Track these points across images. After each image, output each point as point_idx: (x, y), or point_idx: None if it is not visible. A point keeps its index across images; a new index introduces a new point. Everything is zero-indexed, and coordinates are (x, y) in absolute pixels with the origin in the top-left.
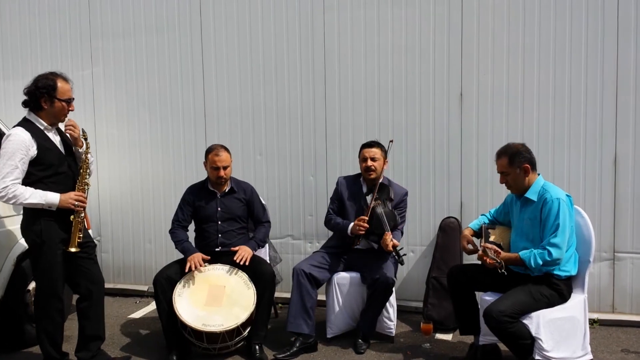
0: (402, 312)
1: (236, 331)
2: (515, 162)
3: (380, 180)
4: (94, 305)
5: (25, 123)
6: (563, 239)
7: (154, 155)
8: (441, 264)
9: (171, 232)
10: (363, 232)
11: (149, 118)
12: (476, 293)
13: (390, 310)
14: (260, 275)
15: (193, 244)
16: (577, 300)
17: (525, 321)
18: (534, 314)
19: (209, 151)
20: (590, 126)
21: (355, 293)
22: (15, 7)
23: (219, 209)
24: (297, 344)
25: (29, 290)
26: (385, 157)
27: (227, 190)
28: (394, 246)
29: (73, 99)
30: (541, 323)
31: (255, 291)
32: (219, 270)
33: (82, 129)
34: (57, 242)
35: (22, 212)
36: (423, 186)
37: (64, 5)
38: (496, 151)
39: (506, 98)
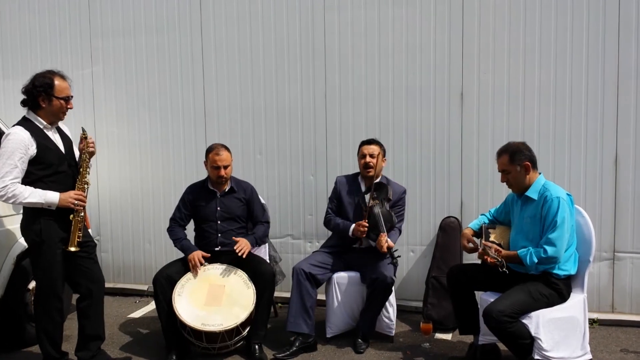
0: (401, 311)
1: (236, 331)
2: (516, 160)
3: (379, 179)
4: (94, 305)
5: (24, 122)
6: (560, 237)
7: (153, 155)
8: (441, 264)
9: (169, 230)
10: (364, 235)
11: (148, 117)
12: (476, 293)
13: (390, 309)
14: (260, 274)
15: (193, 242)
16: (577, 300)
17: (524, 321)
18: (533, 314)
19: (209, 150)
20: (591, 125)
21: (355, 293)
22: (15, 6)
23: (218, 208)
24: (297, 344)
25: (28, 290)
26: (383, 155)
27: (227, 190)
28: (389, 248)
29: (71, 96)
30: (540, 323)
31: (254, 291)
32: (219, 270)
33: (82, 127)
34: (56, 241)
35: (21, 211)
36: (423, 185)
37: (64, 4)
38: (497, 150)
39: (507, 97)
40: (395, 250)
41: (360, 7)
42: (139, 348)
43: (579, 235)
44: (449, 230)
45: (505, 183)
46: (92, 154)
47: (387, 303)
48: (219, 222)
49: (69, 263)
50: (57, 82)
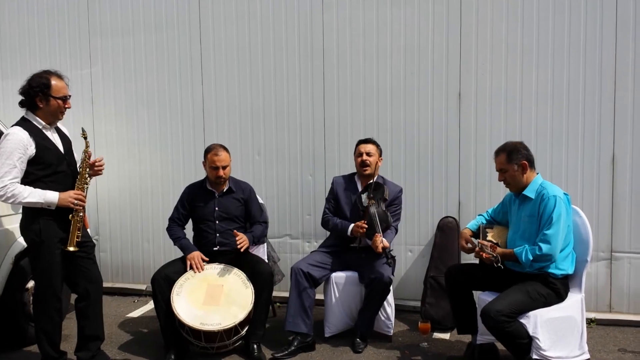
0: (400, 311)
1: (234, 330)
2: (513, 158)
3: (375, 179)
4: (92, 305)
5: (23, 122)
6: (555, 235)
7: (152, 154)
8: (439, 264)
9: (168, 229)
10: (363, 234)
11: (147, 117)
12: (474, 292)
13: (388, 309)
14: (258, 274)
15: (191, 242)
16: (575, 300)
17: (522, 320)
18: (531, 314)
19: (208, 151)
20: (589, 125)
21: (353, 292)
22: (14, 6)
23: (216, 208)
24: (295, 343)
25: (27, 289)
26: (380, 155)
27: (225, 190)
28: (384, 248)
29: (69, 96)
30: (538, 322)
31: (253, 290)
32: (217, 270)
33: (82, 128)
34: (56, 241)
35: (20, 211)
36: (421, 186)
37: (63, 4)
38: (495, 150)
39: (505, 98)
40: (391, 250)
41: (358, 8)
42: (137, 347)
43: (576, 235)
44: (446, 230)
45: (502, 182)
46: (96, 173)
47: (385, 303)
48: (217, 222)
49: (68, 263)
50: (54, 81)
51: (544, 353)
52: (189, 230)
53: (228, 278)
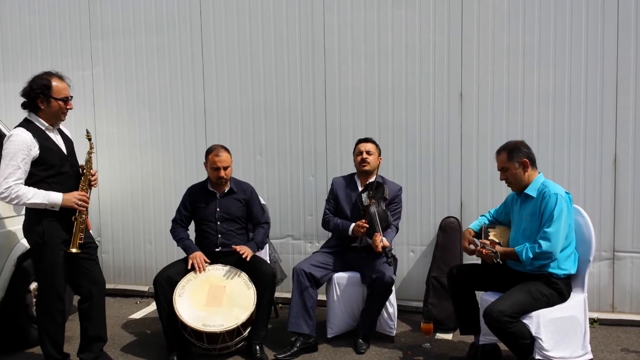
0: (402, 312)
1: (236, 331)
2: (514, 157)
3: (375, 178)
4: (95, 306)
5: (26, 123)
6: (555, 232)
7: (154, 155)
8: (441, 264)
9: (171, 230)
10: (364, 233)
11: (149, 118)
12: (476, 293)
13: (391, 310)
14: (261, 275)
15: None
16: (577, 300)
17: (525, 321)
18: (534, 314)
19: (209, 151)
20: (590, 126)
21: (356, 293)
22: (15, 7)
23: (218, 209)
24: (298, 344)
25: (29, 291)
26: (379, 154)
27: (226, 191)
28: (384, 247)
29: (71, 97)
30: (541, 322)
31: (255, 291)
32: (219, 271)
33: (87, 129)
34: (59, 242)
35: (23, 212)
36: (423, 186)
37: (64, 5)
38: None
39: (506, 98)
40: (391, 250)
41: (359, 9)
42: (139, 349)
43: (578, 235)
44: (449, 230)
45: (504, 181)
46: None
47: (387, 303)
48: (218, 223)
49: (71, 264)
50: (55, 83)
51: (547, 353)
52: (191, 232)
53: (230, 279)
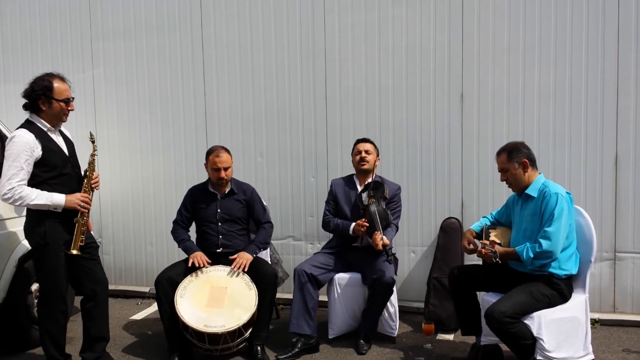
0: (403, 312)
1: (238, 332)
2: (513, 157)
3: (373, 178)
4: (98, 306)
5: (28, 125)
6: (556, 232)
7: (155, 157)
8: (442, 265)
9: (172, 232)
10: (364, 233)
11: (149, 119)
12: (477, 293)
13: (392, 310)
14: (262, 276)
15: (195, 244)
16: (579, 300)
17: (526, 321)
18: (535, 314)
19: (209, 152)
20: (591, 125)
21: (357, 293)
22: (16, 9)
23: (218, 210)
24: (299, 345)
25: (31, 292)
26: (377, 154)
27: (227, 192)
28: (384, 245)
29: (72, 98)
30: (542, 323)
31: (256, 292)
32: (221, 272)
33: (90, 132)
34: (61, 243)
35: (24, 213)
36: (424, 186)
37: (65, 7)
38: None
39: (507, 98)
40: (391, 248)
41: (360, 9)
42: (141, 350)
43: (579, 235)
44: (449, 231)
45: (505, 182)
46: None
47: (388, 304)
48: (219, 224)
49: (72, 265)
50: (56, 84)
51: (548, 354)
52: (192, 234)
53: (231, 280)
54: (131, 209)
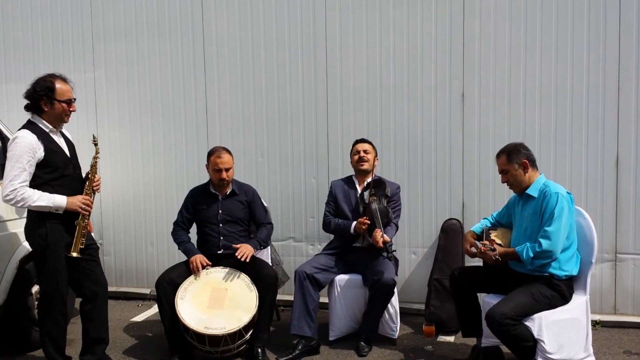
0: (404, 314)
1: (238, 334)
2: (513, 158)
3: (373, 177)
4: (97, 308)
5: (30, 125)
6: (556, 231)
7: (156, 158)
8: (443, 266)
9: (173, 233)
10: (365, 230)
11: (151, 121)
12: (478, 295)
13: (392, 312)
14: (262, 278)
15: (196, 246)
16: (579, 302)
17: (527, 323)
18: (536, 316)
19: (211, 153)
20: (592, 126)
21: (357, 295)
22: (18, 10)
23: (220, 211)
24: (300, 347)
25: (31, 294)
26: (375, 154)
27: (228, 193)
28: (384, 242)
29: (74, 99)
30: (543, 325)
31: (257, 294)
32: (221, 273)
33: (93, 134)
34: (62, 245)
35: (24, 215)
36: (425, 187)
37: (66, 8)
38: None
39: (508, 98)
40: (391, 245)
41: (361, 9)
42: (142, 352)
43: (580, 236)
44: (450, 232)
45: (506, 184)
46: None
47: (389, 305)
48: (220, 225)
49: (72, 266)
50: (58, 85)
51: (549, 356)
52: (193, 235)
53: (232, 282)
54: (132, 210)
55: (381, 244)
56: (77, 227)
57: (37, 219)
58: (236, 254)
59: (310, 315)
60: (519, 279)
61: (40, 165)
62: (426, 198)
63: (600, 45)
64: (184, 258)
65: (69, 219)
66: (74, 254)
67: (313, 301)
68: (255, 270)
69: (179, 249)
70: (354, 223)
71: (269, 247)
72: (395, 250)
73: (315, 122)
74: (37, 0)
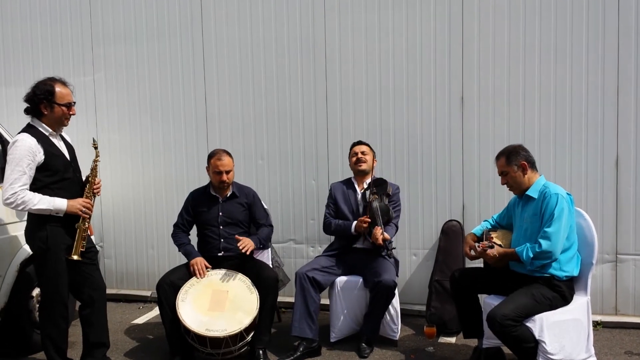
0: (405, 315)
1: (239, 336)
2: (512, 160)
3: (373, 177)
4: (96, 312)
5: (29, 129)
6: (556, 232)
7: (156, 161)
8: (444, 267)
9: (173, 235)
10: (366, 227)
11: (150, 123)
12: (479, 296)
13: (393, 313)
14: (263, 279)
15: (196, 248)
16: (580, 303)
17: (528, 324)
18: (537, 317)
19: (211, 156)
20: (592, 126)
21: (358, 297)
22: (17, 13)
23: (220, 213)
24: (301, 349)
25: (32, 297)
26: (374, 156)
27: (229, 195)
28: (384, 240)
29: (74, 102)
30: (544, 326)
31: (258, 296)
32: (222, 275)
33: (93, 138)
34: (62, 248)
35: (25, 218)
36: (425, 189)
37: (66, 12)
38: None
39: (507, 100)
40: (390, 242)
41: (360, 10)
42: (143, 354)
43: (581, 237)
44: (451, 233)
45: (506, 185)
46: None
47: (390, 307)
48: (221, 227)
49: (72, 270)
50: (58, 88)
51: (551, 357)
52: (193, 237)
53: (233, 284)
54: (132, 213)
55: (381, 242)
56: (78, 229)
57: (37, 222)
58: (238, 244)
59: (311, 316)
60: (519, 280)
61: (40, 169)
62: (426, 199)
63: (599, 45)
64: (184, 260)
65: (70, 222)
66: (75, 257)
67: (314, 303)
68: (256, 272)
69: (179, 251)
70: (355, 222)
71: (269, 249)
72: (394, 248)
73: (315, 123)
74: (36, 3)
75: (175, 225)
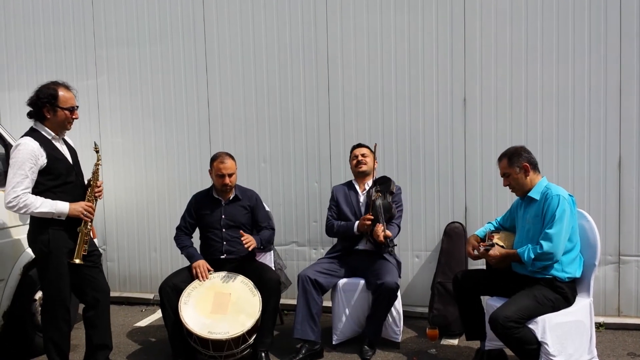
0: (407, 317)
1: (242, 338)
2: (514, 162)
3: (374, 178)
4: (100, 314)
5: (32, 133)
6: (557, 233)
7: (159, 164)
8: (446, 269)
9: (175, 238)
10: (369, 226)
11: (153, 127)
12: (482, 298)
13: (396, 315)
14: (266, 282)
15: (198, 250)
16: (583, 304)
17: (531, 326)
18: (539, 319)
19: (214, 159)
20: (594, 128)
21: (361, 299)
22: (20, 18)
23: (223, 216)
24: (303, 351)
25: (35, 300)
26: (374, 158)
27: (231, 198)
28: (386, 237)
29: (77, 106)
30: (547, 327)
31: (260, 298)
32: (225, 278)
33: (95, 142)
34: (64, 251)
35: (27, 222)
36: (427, 191)
37: (68, 15)
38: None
39: (509, 101)
40: (392, 240)
41: (362, 14)
42: (145, 357)
43: (583, 239)
44: (453, 235)
45: (508, 187)
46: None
47: (392, 309)
48: (224, 230)
49: (75, 273)
50: (61, 92)
51: (553, 358)
52: (196, 239)
53: (235, 286)
54: (135, 216)
55: (382, 239)
56: (80, 233)
57: (39, 225)
58: (242, 239)
59: (313, 319)
60: (522, 281)
61: (42, 173)
62: (429, 201)
63: (601, 46)
64: (187, 263)
65: (72, 225)
66: (77, 261)
67: (316, 305)
68: (259, 275)
69: (181, 253)
70: (357, 222)
71: (272, 251)
72: (395, 245)
73: (317, 126)
74: (39, 8)
75: (178, 228)
